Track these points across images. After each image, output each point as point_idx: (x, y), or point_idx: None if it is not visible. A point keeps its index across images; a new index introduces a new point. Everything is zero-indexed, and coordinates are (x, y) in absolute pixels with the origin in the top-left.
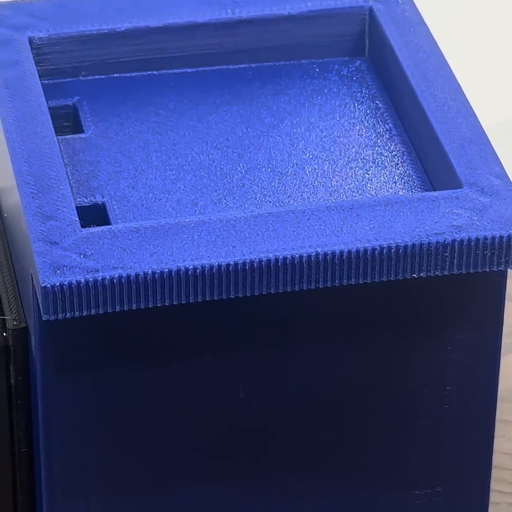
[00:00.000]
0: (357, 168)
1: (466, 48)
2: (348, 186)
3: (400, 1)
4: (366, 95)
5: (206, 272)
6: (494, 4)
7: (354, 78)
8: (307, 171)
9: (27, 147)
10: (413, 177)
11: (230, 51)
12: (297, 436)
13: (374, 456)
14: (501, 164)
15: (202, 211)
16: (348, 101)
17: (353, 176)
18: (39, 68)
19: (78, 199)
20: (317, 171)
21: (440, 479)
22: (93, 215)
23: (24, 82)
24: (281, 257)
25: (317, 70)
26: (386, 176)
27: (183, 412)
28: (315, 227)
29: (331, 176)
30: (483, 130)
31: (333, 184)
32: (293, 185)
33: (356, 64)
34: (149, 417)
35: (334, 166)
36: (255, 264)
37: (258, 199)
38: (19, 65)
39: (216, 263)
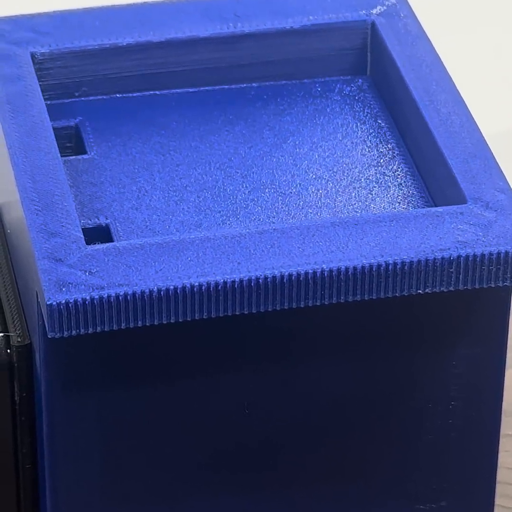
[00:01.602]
0: (360, 188)
1: (468, 60)
2: (351, 206)
3: (402, 15)
4: (369, 114)
5: (211, 289)
6: (496, 14)
7: (356, 98)
8: (311, 191)
9: (30, 163)
10: (416, 196)
11: (232, 65)
12: (301, 450)
13: (379, 471)
14: (505, 179)
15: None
16: (350, 121)
17: (356, 196)
18: (41, 83)
19: (82, 221)
20: (320, 191)
21: (445, 493)
22: (97, 236)
23: (26, 98)
24: (286, 273)
25: (319, 89)
26: (389, 196)
27: (187, 428)
28: (320, 243)
29: (334, 196)
30: (487, 144)
31: (336, 204)
32: (297, 205)
33: (358, 83)
34: (154, 433)
35: (337, 186)
36: (260, 281)
37: (261, 219)
38: (21, 80)
39: (222, 280)
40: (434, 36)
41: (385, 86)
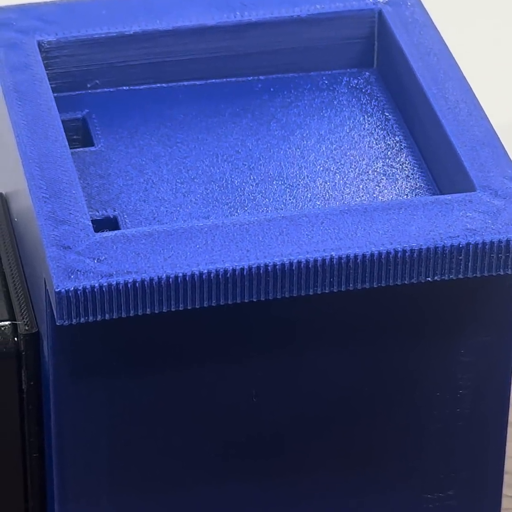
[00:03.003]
0: (367, 180)
1: (476, 49)
2: (359, 198)
3: (409, 4)
4: (376, 107)
5: (220, 276)
6: (504, 2)
7: (363, 90)
8: (318, 183)
9: (38, 151)
10: (424, 189)
11: (239, 54)
12: (308, 439)
13: (386, 459)
14: None
15: None
16: (357, 113)
17: (364, 188)
18: (48, 71)
19: (90, 213)
20: (327, 183)
21: (452, 483)
22: (105, 228)
23: (33, 86)
24: (295, 261)
25: (326, 82)
26: (397, 188)
27: (195, 416)
28: (329, 230)
29: (342, 188)
30: (495, 132)
31: (344, 196)
32: (304, 197)
33: (365, 75)
34: (161, 422)
35: (344, 178)
36: (269, 268)
37: (269, 211)
38: (28, 69)
39: (230, 267)
40: (441, 25)
41: (393, 76)
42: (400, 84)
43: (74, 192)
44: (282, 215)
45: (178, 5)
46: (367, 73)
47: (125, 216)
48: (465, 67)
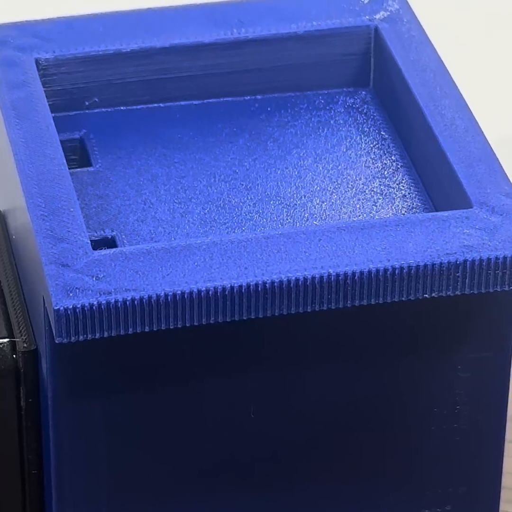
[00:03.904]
0: (364, 200)
1: (472, 65)
2: (356, 218)
3: (405, 20)
4: (372, 126)
5: (218, 293)
6: (499, 18)
7: (360, 110)
8: (315, 203)
9: (36, 169)
10: (420, 208)
11: (236, 71)
12: (306, 455)
13: (384, 475)
14: (511, 183)
15: None
16: (354, 133)
17: (361, 207)
18: (45, 89)
19: (88, 233)
20: (324, 202)
21: (450, 498)
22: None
23: (31, 104)
24: (293, 278)
25: (322, 101)
26: (394, 207)
27: (193, 432)
28: (327, 248)
29: (338, 208)
30: (491, 149)
31: (341, 216)
32: (301, 217)
33: (362, 95)
34: (160, 438)
35: (341, 198)
36: (267, 286)
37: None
38: (26, 86)
39: (229, 285)
40: (437, 41)
41: (389, 93)
42: (396, 101)
43: (72, 210)
44: (280, 232)
45: (175, 22)
46: (363, 92)
47: (123, 236)
48: (461, 82)
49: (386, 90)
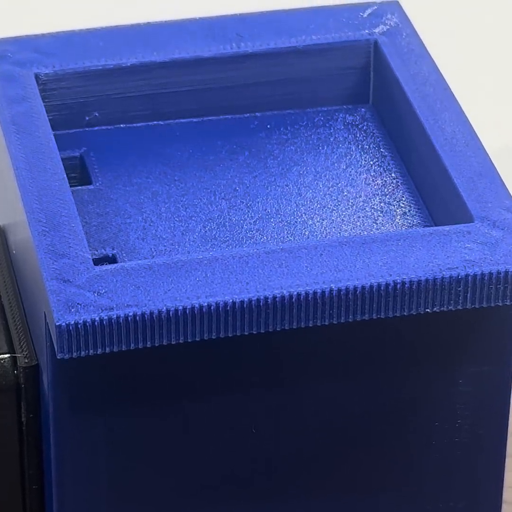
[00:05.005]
0: (364, 217)
1: (471, 77)
2: (356, 235)
3: (404, 34)
4: (372, 143)
5: (220, 309)
6: (498, 30)
7: (360, 127)
8: (315, 220)
9: (37, 184)
10: (421, 225)
11: (236, 85)
12: (307, 470)
13: (384, 489)
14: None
15: None
16: (354, 150)
17: (361, 225)
18: (45, 104)
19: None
20: (325, 220)
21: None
22: None
23: (31, 119)
24: (295, 293)
25: (322, 119)
26: (394, 225)
27: (194, 447)
28: (328, 262)
29: (339, 225)
30: (492, 163)
31: (341, 233)
32: (302, 234)
33: (361, 112)
34: (161, 453)
35: (342, 215)
36: (269, 301)
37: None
38: (25, 101)
39: (230, 300)
40: (436, 55)
41: (389, 107)
42: (396, 115)
43: (73, 225)
44: (281, 247)
45: (175, 37)
46: (363, 109)
47: (124, 254)
48: (461, 96)
49: (385, 105)
